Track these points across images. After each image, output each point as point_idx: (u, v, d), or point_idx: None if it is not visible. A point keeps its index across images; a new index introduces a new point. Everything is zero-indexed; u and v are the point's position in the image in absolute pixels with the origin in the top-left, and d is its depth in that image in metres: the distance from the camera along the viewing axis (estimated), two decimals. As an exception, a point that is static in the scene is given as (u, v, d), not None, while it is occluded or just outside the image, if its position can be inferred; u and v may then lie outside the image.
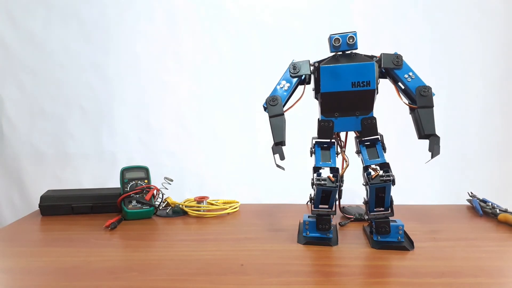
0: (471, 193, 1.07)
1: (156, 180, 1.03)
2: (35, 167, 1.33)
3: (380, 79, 0.75)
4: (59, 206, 1.02)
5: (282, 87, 0.77)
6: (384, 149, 0.76)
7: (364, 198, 0.78)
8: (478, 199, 1.02)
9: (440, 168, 1.20)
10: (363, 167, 0.76)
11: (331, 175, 0.75)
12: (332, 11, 1.29)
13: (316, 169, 0.76)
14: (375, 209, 0.75)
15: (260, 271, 0.65)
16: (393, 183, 0.73)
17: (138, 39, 1.31)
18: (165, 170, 1.25)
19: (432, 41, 1.28)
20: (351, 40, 0.72)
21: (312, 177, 0.77)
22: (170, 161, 1.33)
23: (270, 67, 1.32)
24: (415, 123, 0.74)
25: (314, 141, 0.79)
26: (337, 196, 0.78)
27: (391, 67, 0.74)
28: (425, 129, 0.70)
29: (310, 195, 0.80)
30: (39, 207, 1.02)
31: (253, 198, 1.25)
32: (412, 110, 0.74)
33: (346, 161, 0.78)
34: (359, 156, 0.77)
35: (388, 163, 0.74)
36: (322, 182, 0.74)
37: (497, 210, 0.94)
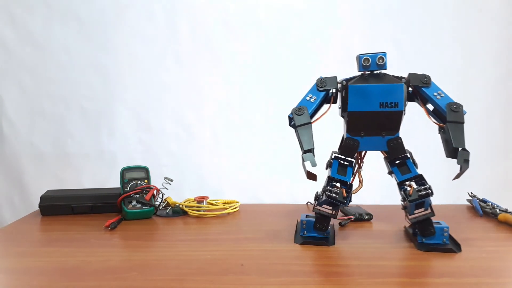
0: (471, 193, 1.07)
1: (156, 180, 1.03)
2: (35, 167, 1.33)
3: (407, 102, 0.76)
4: (59, 206, 1.02)
5: (309, 99, 0.76)
6: (415, 164, 0.75)
7: (401, 204, 0.77)
8: (478, 199, 1.02)
9: (440, 168, 1.20)
10: (397, 184, 0.75)
11: (344, 190, 0.75)
12: (332, 12, 1.29)
13: (331, 179, 0.76)
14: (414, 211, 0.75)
15: (260, 271, 0.65)
16: (432, 194, 0.72)
17: (138, 39, 1.31)
18: (165, 170, 1.25)
19: (432, 41, 1.28)
20: (380, 61, 0.73)
21: (324, 185, 0.77)
22: (170, 161, 1.33)
23: (270, 66, 1.33)
24: (444, 141, 0.73)
25: (334, 155, 0.78)
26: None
27: (420, 85, 0.74)
28: (454, 142, 0.69)
29: (317, 192, 0.80)
30: (39, 207, 1.02)
31: (253, 198, 1.25)
32: (441, 129, 0.73)
33: (361, 182, 0.78)
34: (392, 176, 0.77)
35: (421, 175, 0.74)
36: (334, 194, 0.74)
37: (497, 210, 0.94)
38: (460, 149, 0.68)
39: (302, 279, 0.63)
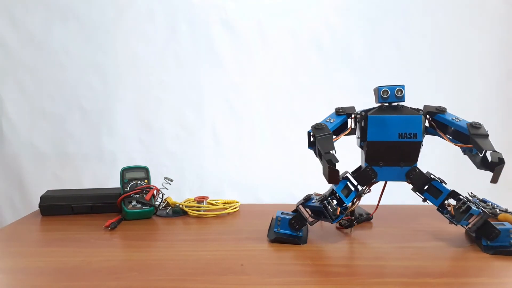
0: (471, 193, 1.07)
1: (156, 180, 1.03)
2: (35, 167, 1.33)
3: (426, 134, 0.77)
4: (59, 206, 1.02)
5: (328, 121, 0.77)
6: (442, 182, 0.75)
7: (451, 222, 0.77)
8: (478, 199, 1.02)
9: (440, 168, 1.20)
10: (437, 209, 0.76)
11: (339, 209, 0.75)
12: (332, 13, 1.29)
13: (333, 193, 0.76)
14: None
15: (260, 271, 0.65)
16: (472, 203, 0.72)
17: (138, 39, 1.31)
18: (165, 170, 1.25)
19: (431, 41, 1.28)
20: (399, 93, 0.74)
21: (326, 194, 0.77)
22: (170, 161, 1.33)
23: (270, 67, 1.33)
24: (471, 158, 0.74)
25: (346, 174, 0.79)
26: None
27: (436, 112, 0.75)
28: (483, 146, 0.69)
29: (309, 194, 0.80)
30: (39, 207, 1.02)
31: (253, 198, 1.25)
32: (466, 149, 0.74)
33: (354, 204, 0.79)
34: (428, 202, 0.77)
35: (453, 190, 0.74)
36: (330, 209, 0.74)
37: (497, 210, 0.94)
38: (489, 152, 0.69)
39: (302, 279, 0.62)
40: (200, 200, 1.05)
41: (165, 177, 1.05)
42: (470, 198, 0.75)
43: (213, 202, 1.07)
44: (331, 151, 0.70)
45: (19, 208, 1.33)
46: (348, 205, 0.76)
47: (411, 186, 0.77)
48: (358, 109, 0.78)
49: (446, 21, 1.27)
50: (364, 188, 0.79)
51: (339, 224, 0.88)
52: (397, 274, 0.64)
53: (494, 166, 0.68)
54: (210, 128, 1.34)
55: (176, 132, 1.34)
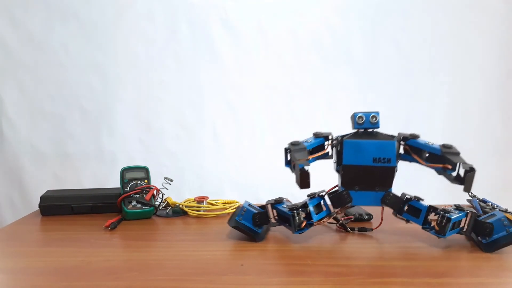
0: (471, 193, 1.07)
1: (156, 180, 1.03)
2: (35, 167, 1.33)
3: (400, 160, 0.77)
4: (59, 206, 1.02)
5: (305, 141, 0.79)
6: (418, 199, 0.76)
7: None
8: (478, 199, 1.02)
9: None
10: (422, 228, 0.76)
11: (305, 222, 0.76)
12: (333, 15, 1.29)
13: (305, 206, 0.77)
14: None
15: (260, 271, 0.65)
16: (453, 213, 0.72)
17: (138, 39, 1.31)
18: (165, 170, 1.25)
19: (432, 41, 1.28)
20: (373, 119, 0.75)
21: (300, 204, 0.77)
22: (170, 161, 1.33)
23: (270, 67, 1.33)
24: (446, 176, 0.74)
25: (323, 193, 0.80)
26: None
27: (410, 137, 0.76)
28: (454, 160, 0.70)
29: (283, 198, 0.82)
30: (39, 207, 1.02)
31: (253, 198, 1.25)
32: (440, 170, 0.74)
33: (327, 220, 0.80)
34: (411, 223, 0.77)
35: (430, 206, 0.75)
36: (297, 220, 0.75)
37: (497, 210, 0.94)
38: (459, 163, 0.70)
39: (302, 279, 0.63)
40: (200, 200, 1.05)
41: (165, 177, 1.05)
42: (450, 208, 0.75)
43: (213, 202, 1.07)
44: (304, 159, 0.72)
45: (19, 208, 1.33)
46: (314, 223, 0.77)
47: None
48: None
49: (446, 21, 1.27)
50: (336, 210, 0.80)
51: (339, 225, 0.88)
52: (397, 274, 0.64)
53: (466, 174, 0.69)
54: (210, 128, 1.34)
55: (176, 132, 1.34)
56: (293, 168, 0.76)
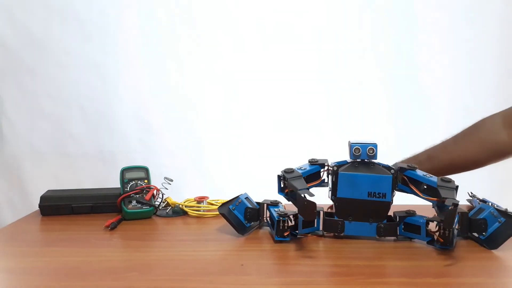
0: (471, 193, 1.07)
1: (156, 180, 1.03)
2: (35, 167, 1.33)
3: (396, 192, 0.77)
4: (59, 206, 1.02)
5: (299, 168, 0.78)
6: (412, 214, 0.76)
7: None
8: (478, 199, 1.02)
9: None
10: (427, 244, 0.75)
11: (289, 232, 0.75)
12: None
13: (296, 216, 0.76)
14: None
15: (260, 271, 0.65)
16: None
17: (138, 39, 1.31)
18: (165, 170, 1.25)
19: (431, 41, 1.28)
20: (371, 152, 0.74)
21: (288, 213, 0.76)
22: (170, 161, 1.33)
23: (271, 66, 1.33)
24: (436, 208, 0.74)
25: (321, 211, 0.79)
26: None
27: (407, 169, 0.76)
28: (443, 194, 0.70)
29: (277, 203, 0.82)
30: (39, 207, 1.02)
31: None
32: (436, 202, 0.74)
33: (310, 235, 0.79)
34: (418, 240, 0.77)
35: (425, 221, 0.73)
36: (281, 227, 0.74)
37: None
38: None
39: (302, 279, 0.62)
40: (200, 200, 1.05)
41: (165, 177, 1.05)
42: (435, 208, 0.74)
43: (213, 202, 1.07)
44: (306, 188, 0.71)
45: (19, 208, 1.33)
46: (298, 234, 0.77)
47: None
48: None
49: (446, 21, 1.27)
50: (325, 232, 0.79)
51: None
52: (397, 274, 0.64)
53: (447, 209, 0.67)
54: (210, 128, 1.34)
55: (176, 132, 1.34)
56: (289, 197, 0.76)
